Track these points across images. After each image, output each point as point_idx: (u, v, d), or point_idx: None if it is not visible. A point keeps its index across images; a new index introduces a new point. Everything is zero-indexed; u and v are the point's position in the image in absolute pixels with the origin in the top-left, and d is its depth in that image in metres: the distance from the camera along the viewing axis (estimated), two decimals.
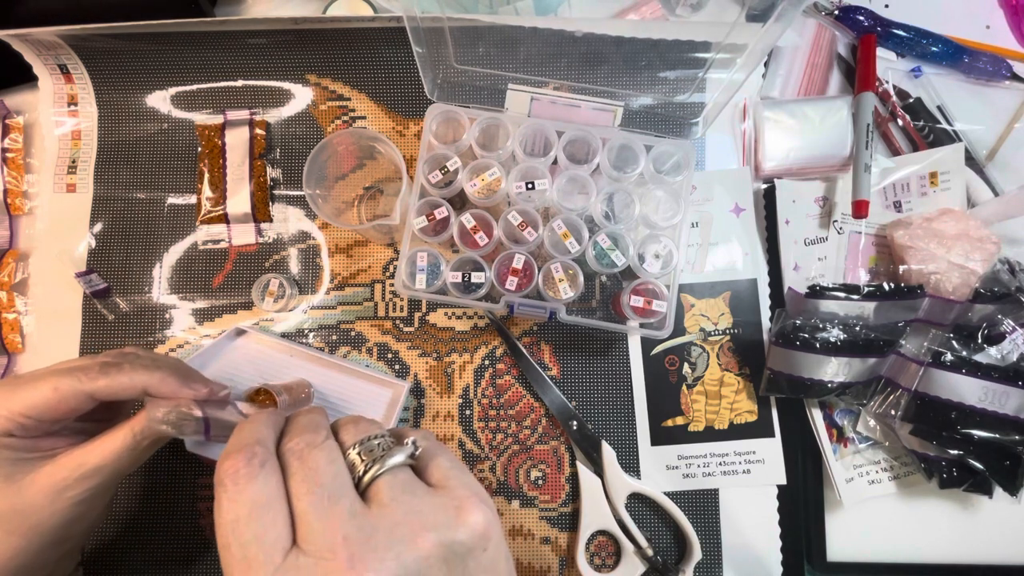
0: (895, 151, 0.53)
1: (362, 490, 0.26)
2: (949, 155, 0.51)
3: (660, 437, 0.49)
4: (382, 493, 0.25)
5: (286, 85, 0.52)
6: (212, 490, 0.39)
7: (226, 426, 0.35)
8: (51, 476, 0.33)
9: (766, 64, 0.53)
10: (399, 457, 0.26)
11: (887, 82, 0.53)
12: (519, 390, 0.50)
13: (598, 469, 0.48)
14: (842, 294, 0.46)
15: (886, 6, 0.55)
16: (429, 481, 0.28)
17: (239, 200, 0.50)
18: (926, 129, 0.53)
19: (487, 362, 0.50)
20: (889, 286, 0.46)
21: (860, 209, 0.48)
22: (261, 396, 0.43)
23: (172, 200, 0.51)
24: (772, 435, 0.49)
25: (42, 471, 0.33)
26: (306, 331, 0.50)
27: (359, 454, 0.27)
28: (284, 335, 0.50)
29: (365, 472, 0.26)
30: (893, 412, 0.46)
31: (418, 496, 0.26)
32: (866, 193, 0.48)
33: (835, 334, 0.45)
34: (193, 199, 0.51)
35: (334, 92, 0.52)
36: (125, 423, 0.35)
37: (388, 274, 0.51)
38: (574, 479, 0.49)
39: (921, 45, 0.53)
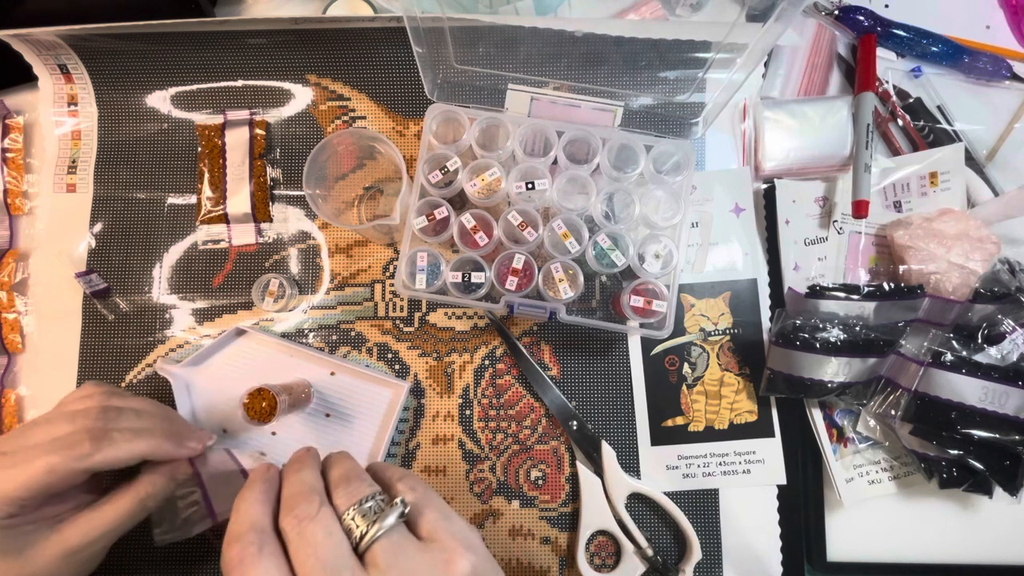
0: (895, 151, 0.53)
1: (359, 553, 0.28)
2: (949, 155, 0.51)
3: (660, 437, 0.49)
4: (379, 558, 0.27)
5: (286, 85, 0.52)
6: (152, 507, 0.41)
7: (226, 483, 0.39)
8: (61, 544, 0.35)
9: (766, 64, 0.53)
10: (391, 519, 0.28)
11: (887, 82, 0.53)
12: (519, 390, 0.50)
13: (598, 469, 0.48)
14: (842, 294, 0.46)
15: (886, 6, 0.55)
16: (419, 533, 0.29)
17: (239, 200, 0.50)
18: (926, 129, 0.53)
19: (487, 362, 0.50)
20: (889, 286, 0.46)
21: (860, 209, 0.48)
22: (261, 396, 0.43)
23: (172, 200, 0.52)
24: (772, 435, 0.49)
25: (51, 539, 0.35)
26: (306, 331, 0.50)
27: (353, 519, 0.28)
28: (284, 335, 0.50)
29: (362, 537, 0.27)
30: (893, 412, 0.46)
31: (411, 556, 0.28)
32: (866, 193, 0.48)
33: (835, 334, 0.45)
34: (193, 199, 0.51)
35: (334, 92, 0.52)
36: (130, 488, 0.37)
37: (388, 274, 0.51)
38: (574, 479, 0.49)
39: (921, 45, 0.53)
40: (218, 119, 0.52)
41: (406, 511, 0.29)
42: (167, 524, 0.40)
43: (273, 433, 0.48)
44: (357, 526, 0.28)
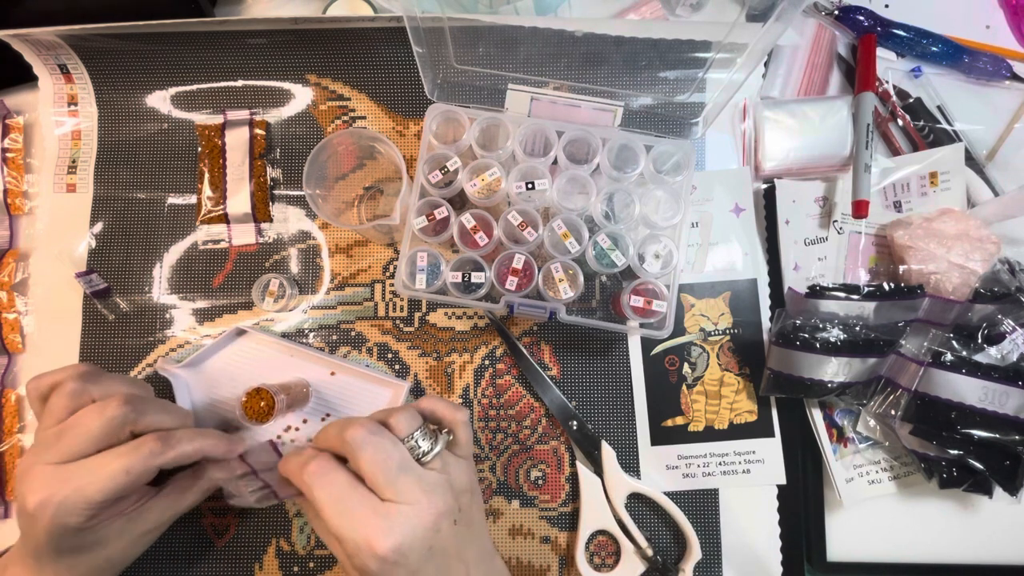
0: (895, 151, 0.53)
1: (421, 464, 0.37)
2: (949, 155, 0.51)
3: (660, 437, 0.49)
4: (434, 465, 0.38)
5: (286, 85, 0.52)
6: (215, 491, 0.46)
7: (268, 464, 0.43)
8: (133, 531, 0.40)
9: (766, 64, 0.53)
10: (440, 446, 0.38)
11: (887, 82, 0.53)
12: (519, 390, 0.50)
13: (598, 469, 0.48)
14: (842, 294, 0.46)
15: (886, 6, 0.55)
16: (456, 452, 0.40)
17: (239, 200, 0.50)
18: (926, 129, 0.53)
19: (487, 362, 0.50)
20: (889, 286, 0.46)
21: (860, 209, 0.48)
22: (259, 395, 0.43)
23: (172, 200, 0.52)
24: (772, 435, 0.49)
25: (125, 529, 0.40)
26: (306, 331, 0.50)
27: (416, 441, 0.37)
28: (284, 335, 0.50)
29: (423, 456, 0.37)
30: (893, 412, 0.46)
31: (452, 465, 0.39)
32: (866, 193, 0.48)
33: (835, 334, 0.45)
34: (193, 199, 0.51)
35: (334, 92, 0.52)
36: (195, 481, 0.43)
37: (388, 274, 0.51)
38: (574, 479, 0.49)
39: (921, 45, 0.53)
40: (218, 119, 0.52)
41: (449, 438, 0.39)
42: (239, 499, 0.44)
43: (278, 437, 0.48)
44: (419, 446, 0.37)
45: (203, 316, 0.50)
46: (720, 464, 0.48)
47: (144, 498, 0.41)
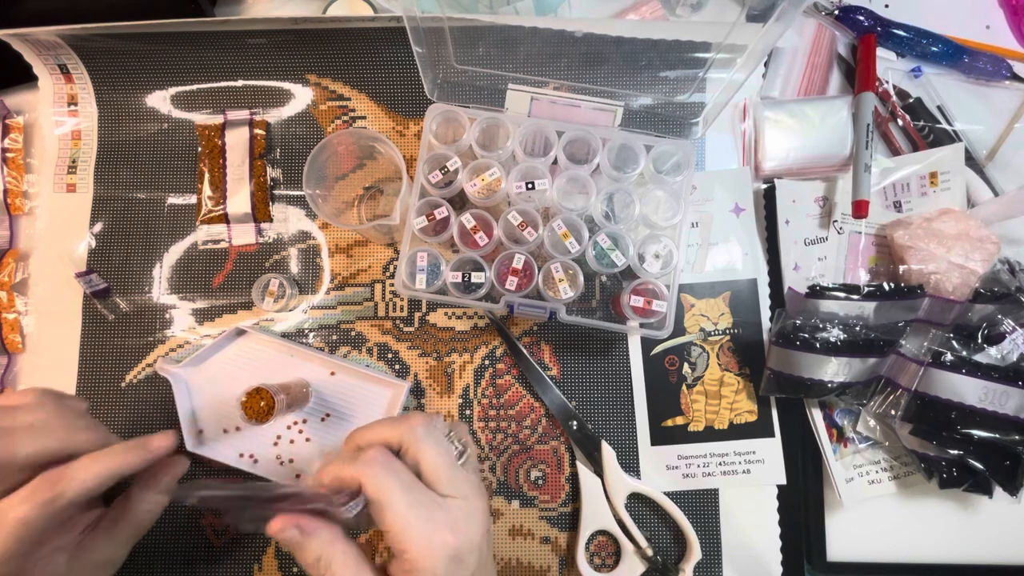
0: (895, 151, 0.53)
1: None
2: (949, 155, 0.51)
3: (660, 437, 0.49)
4: (469, 466, 0.37)
5: (286, 85, 0.52)
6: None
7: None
8: (88, 559, 0.37)
9: (766, 64, 0.53)
10: (470, 448, 0.38)
11: (887, 82, 0.53)
12: (519, 390, 0.50)
13: (598, 469, 0.48)
14: (842, 294, 0.46)
15: (886, 6, 0.55)
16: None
17: (239, 200, 0.50)
18: (926, 129, 0.53)
19: (487, 362, 0.50)
20: (889, 286, 0.46)
21: (860, 209, 0.48)
22: (259, 395, 0.43)
23: (172, 200, 0.51)
24: (772, 435, 0.49)
25: (73, 566, 0.36)
26: (306, 331, 0.50)
27: (454, 443, 0.37)
28: (284, 335, 0.50)
29: (460, 455, 0.37)
30: (893, 412, 0.46)
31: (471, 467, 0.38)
32: (866, 193, 0.48)
33: (835, 334, 0.45)
34: (193, 199, 0.51)
35: (334, 92, 0.52)
36: (125, 507, 0.38)
37: (388, 274, 0.51)
38: (574, 479, 0.49)
39: (921, 45, 0.53)
40: (218, 119, 0.52)
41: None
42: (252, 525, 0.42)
43: (279, 437, 0.48)
44: (457, 447, 0.37)
45: (203, 316, 0.50)
46: (720, 464, 0.48)
47: (89, 529, 0.37)
